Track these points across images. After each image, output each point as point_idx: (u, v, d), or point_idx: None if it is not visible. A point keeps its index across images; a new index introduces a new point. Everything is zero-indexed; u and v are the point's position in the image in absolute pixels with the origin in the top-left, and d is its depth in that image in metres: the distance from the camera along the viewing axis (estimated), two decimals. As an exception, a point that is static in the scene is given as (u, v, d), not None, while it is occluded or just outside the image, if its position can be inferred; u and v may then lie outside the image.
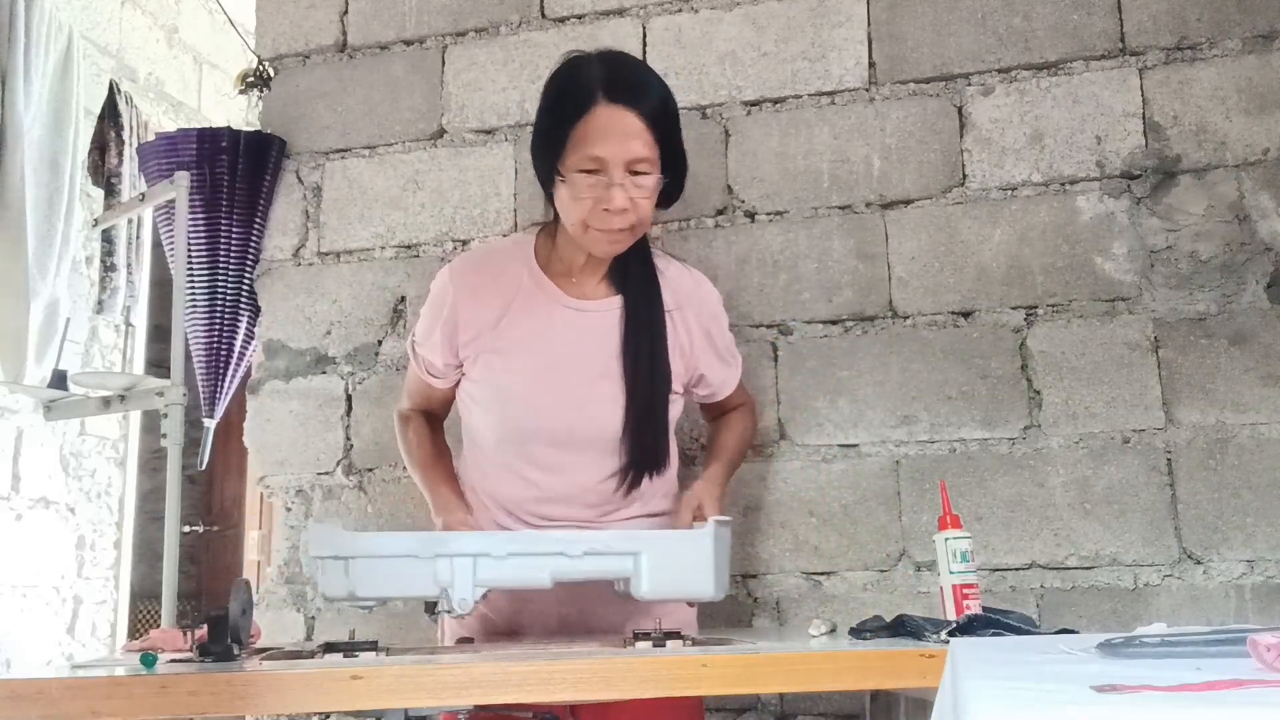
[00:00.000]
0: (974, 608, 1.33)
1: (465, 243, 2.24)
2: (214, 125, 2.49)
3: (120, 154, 3.62)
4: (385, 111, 2.36)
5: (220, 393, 2.41)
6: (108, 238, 3.65)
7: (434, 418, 1.77)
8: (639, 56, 2.25)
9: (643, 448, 1.55)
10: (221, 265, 2.34)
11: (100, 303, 3.66)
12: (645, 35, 2.26)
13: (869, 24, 2.16)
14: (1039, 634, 1.13)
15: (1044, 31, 2.08)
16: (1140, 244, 1.99)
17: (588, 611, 1.59)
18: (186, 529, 3.73)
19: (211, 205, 2.34)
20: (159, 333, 4.00)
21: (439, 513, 1.61)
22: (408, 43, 2.38)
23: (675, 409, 1.64)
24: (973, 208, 2.06)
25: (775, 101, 2.18)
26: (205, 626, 1.26)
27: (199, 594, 4.53)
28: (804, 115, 2.16)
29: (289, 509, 2.26)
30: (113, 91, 3.70)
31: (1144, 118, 2.03)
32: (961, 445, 2.00)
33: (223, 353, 2.37)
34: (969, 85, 2.10)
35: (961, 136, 2.09)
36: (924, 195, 2.09)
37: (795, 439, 2.06)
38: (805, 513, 2.03)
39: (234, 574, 4.01)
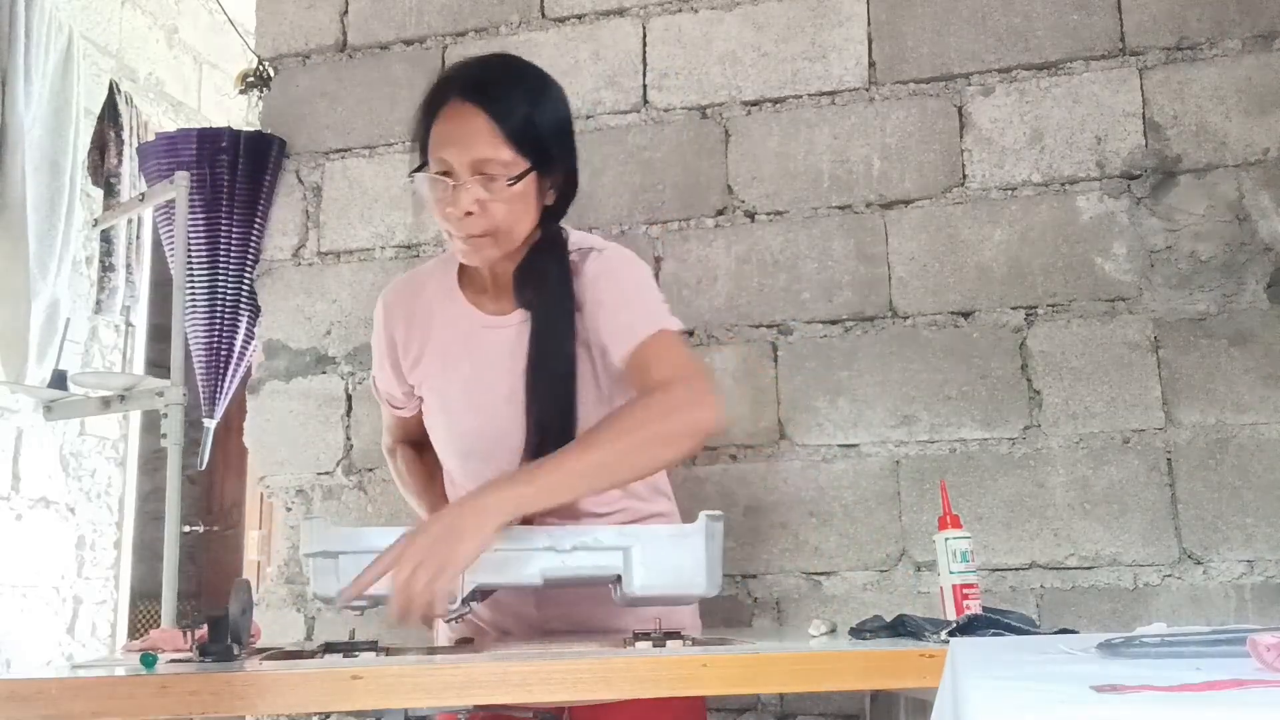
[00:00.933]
0: (974, 608, 1.33)
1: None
2: (214, 125, 2.49)
3: (120, 154, 3.62)
4: (385, 111, 2.36)
5: (220, 393, 2.41)
6: (107, 238, 3.65)
7: (420, 445, 1.71)
8: (640, 55, 2.25)
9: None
10: (221, 265, 2.34)
11: (100, 303, 3.66)
12: (645, 35, 2.26)
13: (869, 24, 2.16)
14: (1039, 634, 1.13)
15: (1044, 31, 2.08)
16: (1140, 244, 1.99)
17: (572, 613, 1.55)
18: (186, 529, 3.73)
19: (211, 205, 2.34)
20: (159, 333, 4.00)
21: None
22: (408, 43, 2.38)
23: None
24: (973, 208, 2.06)
25: (775, 101, 2.18)
26: (205, 626, 1.26)
27: (199, 594, 4.53)
28: (804, 115, 2.16)
29: (289, 509, 2.26)
30: (113, 91, 3.69)
31: (1144, 118, 2.03)
32: (961, 445, 2.00)
33: (223, 353, 2.37)
34: (969, 85, 2.10)
35: (961, 136, 2.09)
36: (924, 195, 2.09)
37: (795, 439, 2.06)
38: (805, 513, 2.03)
39: (234, 574, 4.01)
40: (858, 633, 1.28)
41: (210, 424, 2.51)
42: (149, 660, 1.17)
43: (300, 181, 2.38)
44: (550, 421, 1.42)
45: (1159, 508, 1.91)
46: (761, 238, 2.13)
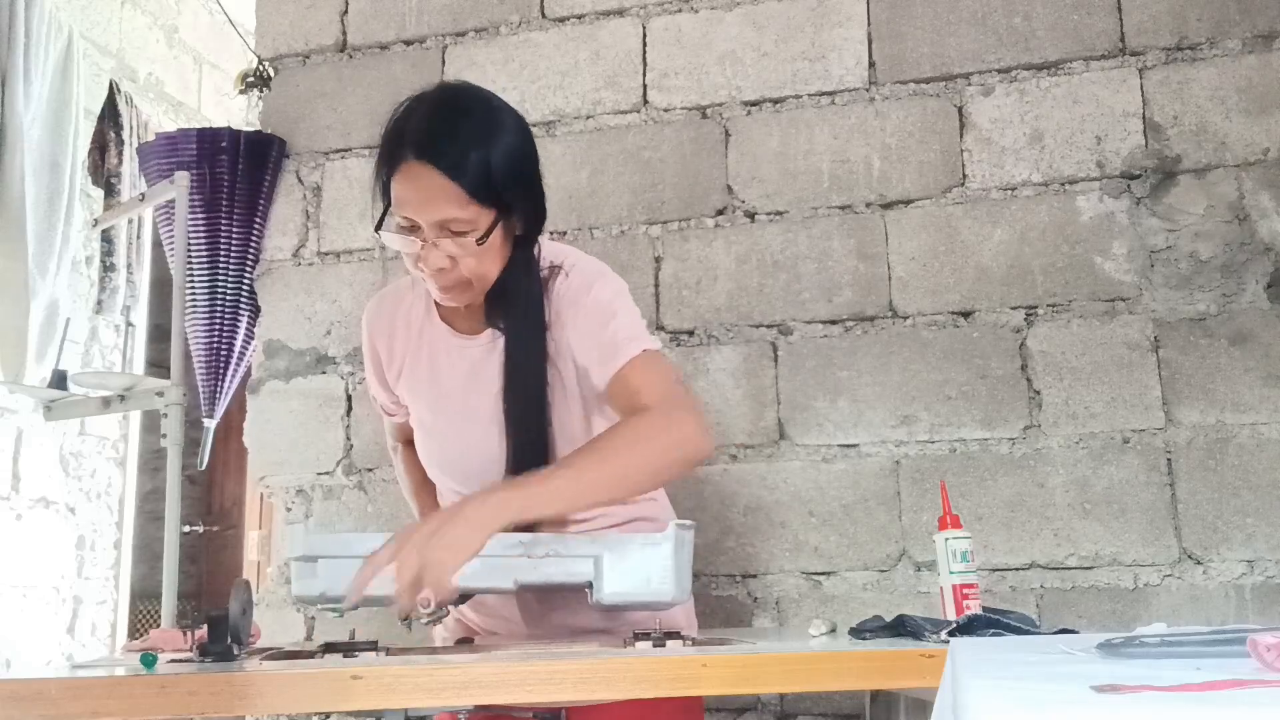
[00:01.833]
0: (974, 608, 1.33)
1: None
2: (214, 125, 2.49)
3: (120, 154, 3.62)
4: (385, 112, 2.33)
5: (220, 393, 2.41)
6: (107, 238, 3.65)
7: None
8: (640, 55, 2.25)
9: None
10: (221, 265, 2.34)
11: (100, 303, 3.66)
12: (645, 35, 2.26)
13: (869, 24, 2.16)
14: (1039, 634, 1.13)
15: (1044, 31, 2.08)
16: (1140, 244, 1.99)
17: (552, 616, 1.55)
18: (186, 529, 3.73)
19: (211, 205, 2.34)
20: (159, 333, 4.00)
21: None
22: (408, 43, 2.38)
23: (605, 420, 1.51)
24: (973, 208, 2.06)
25: (775, 101, 2.18)
26: (205, 626, 1.26)
27: (199, 594, 4.53)
28: (804, 115, 2.16)
29: (289, 509, 2.26)
30: (113, 91, 3.70)
31: (1144, 118, 2.03)
32: (961, 445, 2.00)
33: (223, 353, 2.37)
34: (969, 85, 2.10)
35: (961, 136, 2.09)
36: (924, 195, 2.09)
37: (795, 439, 2.06)
38: (805, 513, 2.03)
39: (234, 574, 4.01)
40: (858, 633, 1.28)
41: (210, 424, 2.51)
42: (149, 660, 1.17)
43: (300, 181, 2.38)
44: (526, 440, 1.43)
45: (1159, 508, 1.91)
46: (761, 238, 2.13)
